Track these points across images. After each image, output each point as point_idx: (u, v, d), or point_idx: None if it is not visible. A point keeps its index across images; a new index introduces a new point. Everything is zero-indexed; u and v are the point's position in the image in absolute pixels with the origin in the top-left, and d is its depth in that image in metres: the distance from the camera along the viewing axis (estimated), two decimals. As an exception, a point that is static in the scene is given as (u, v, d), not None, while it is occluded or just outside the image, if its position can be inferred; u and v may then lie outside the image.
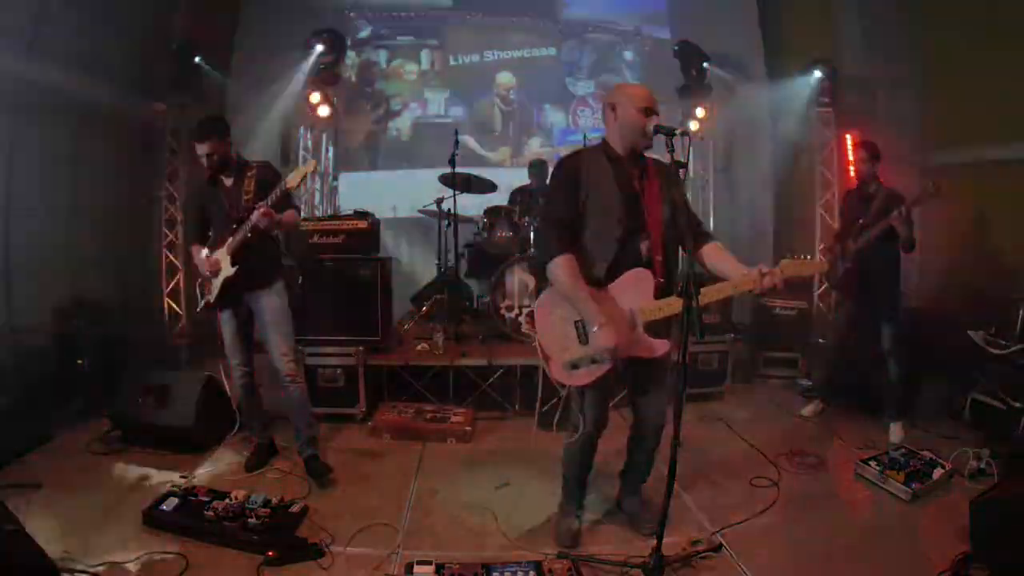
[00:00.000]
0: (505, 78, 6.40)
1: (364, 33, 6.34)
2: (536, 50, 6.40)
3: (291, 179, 2.80)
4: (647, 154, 2.37)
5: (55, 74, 4.20)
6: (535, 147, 6.39)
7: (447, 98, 6.39)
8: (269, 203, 2.80)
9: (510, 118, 6.44)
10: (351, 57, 6.27)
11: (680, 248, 2.35)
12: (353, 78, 6.33)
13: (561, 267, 2.23)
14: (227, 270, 2.98)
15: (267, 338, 3.07)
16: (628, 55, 6.39)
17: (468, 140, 6.30)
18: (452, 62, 6.37)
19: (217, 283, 3.03)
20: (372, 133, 6.36)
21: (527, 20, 6.39)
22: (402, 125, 6.37)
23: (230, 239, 2.96)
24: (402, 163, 6.18)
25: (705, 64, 5.65)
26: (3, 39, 3.80)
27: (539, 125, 6.46)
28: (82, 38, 4.52)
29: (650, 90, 2.31)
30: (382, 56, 6.36)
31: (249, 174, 3.00)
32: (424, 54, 6.35)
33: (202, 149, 2.93)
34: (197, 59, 5.14)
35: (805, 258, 2.23)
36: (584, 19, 6.45)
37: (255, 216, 2.80)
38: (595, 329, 2.19)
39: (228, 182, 3.03)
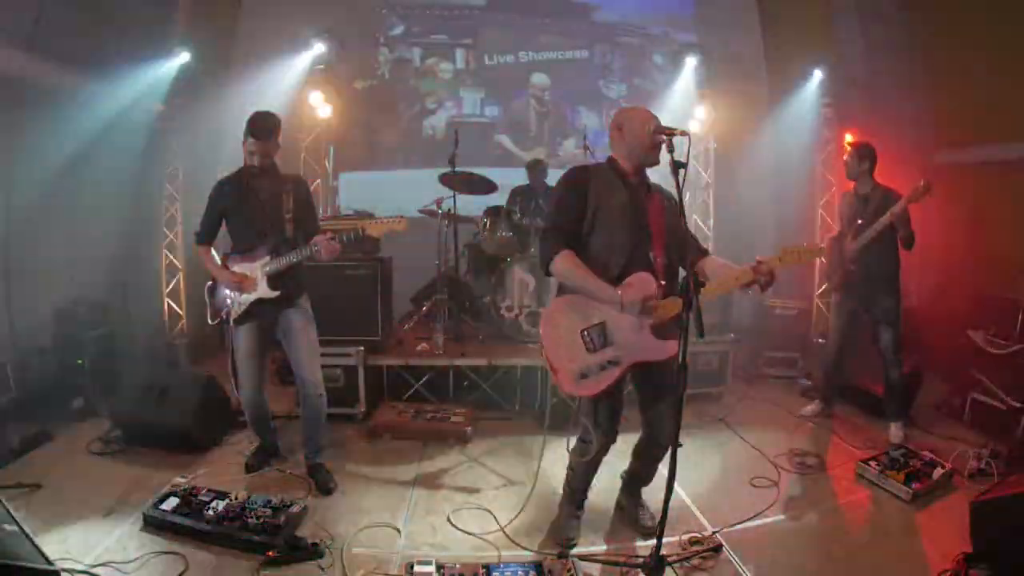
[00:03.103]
0: (539, 79, 6.43)
1: (397, 31, 6.34)
2: (569, 52, 6.43)
3: (373, 228, 2.74)
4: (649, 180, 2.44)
5: (55, 74, 4.20)
6: (570, 148, 6.42)
7: (482, 97, 6.41)
8: (344, 242, 2.76)
9: (545, 119, 6.47)
10: (384, 54, 6.30)
11: (681, 261, 2.39)
12: (386, 75, 6.34)
13: (563, 260, 2.27)
14: (265, 292, 2.86)
15: (296, 347, 2.96)
16: (658, 59, 6.38)
17: (504, 140, 6.37)
18: (487, 61, 6.40)
19: (246, 300, 2.90)
20: (406, 131, 6.36)
21: (559, 22, 6.42)
22: (437, 124, 6.37)
23: (267, 259, 2.85)
24: (438, 162, 6.17)
25: (704, 63, 5.65)
26: (3, 39, 3.80)
27: (573, 126, 6.46)
28: (82, 38, 4.52)
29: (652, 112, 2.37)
30: (416, 54, 6.37)
31: (286, 188, 2.89)
32: (459, 53, 6.36)
33: (259, 147, 2.79)
34: (197, 59, 5.14)
35: (803, 245, 2.27)
36: (615, 23, 6.48)
37: (323, 252, 2.74)
38: (618, 295, 2.20)
39: (263, 191, 2.88)
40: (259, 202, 2.88)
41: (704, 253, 2.45)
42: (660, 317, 2.25)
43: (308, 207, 2.99)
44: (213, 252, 2.98)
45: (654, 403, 2.44)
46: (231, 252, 2.97)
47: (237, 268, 2.91)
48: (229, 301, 2.94)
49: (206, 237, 2.98)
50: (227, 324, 2.98)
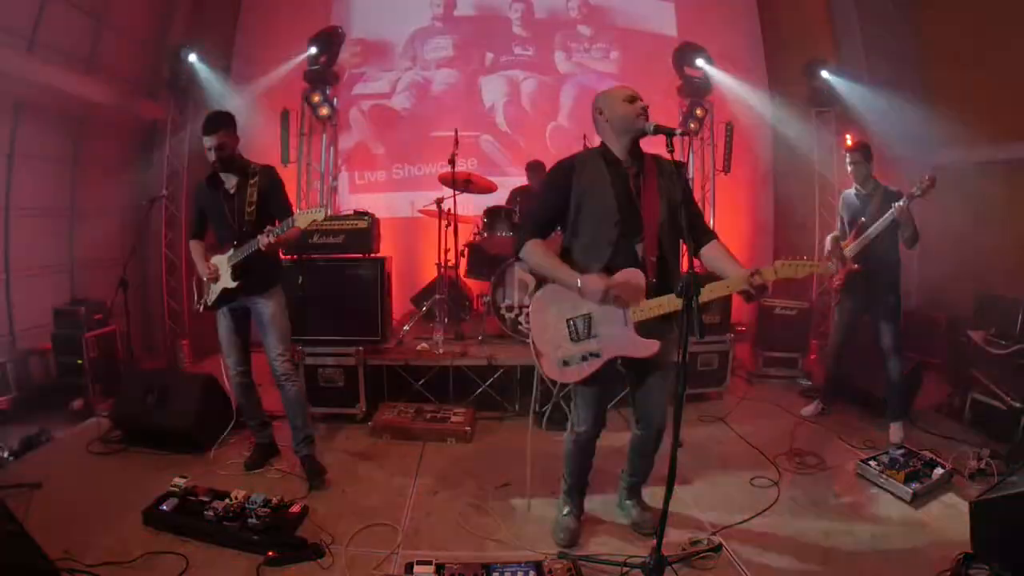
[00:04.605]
0: (554, 80, 6.46)
1: (410, 30, 6.37)
2: (584, 55, 6.47)
3: (300, 221, 2.85)
4: (648, 152, 2.38)
5: (55, 74, 4.20)
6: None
7: (496, 98, 6.42)
8: (275, 238, 2.83)
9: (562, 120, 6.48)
10: (396, 53, 6.32)
11: (680, 246, 2.37)
12: (398, 74, 6.36)
13: (531, 249, 2.31)
14: (228, 282, 3.01)
15: (264, 338, 3.10)
16: (663, 60, 6.33)
17: (519, 140, 6.39)
18: (502, 59, 6.42)
19: (216, 289, 3.05)
20: (418, 131, 6.36)
21: (575, 26, 6.46)
22: (450, 123, 6.37)
23: (231, 251, 2.98)
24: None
25: (704, 63, 5.65)
26: (3, 39, 3.80)
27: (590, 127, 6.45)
28: (82, 38, 4.52)
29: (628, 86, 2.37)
30: (429, 53, 6.37)
31: (252, 181, 3.00)
32: (472, 53, 6.37)
33: (210, 142, 2.91)
34: (197, 59, 5.14)
35: (802, 259, 2.20)
36: (623, 25, 6.50)
37: (262, 244, 2.86)
38: (578, 284, 2.21)
39: (230, 184, 3.01)
40: (226, 197, 3.02)
41: (710, 237, 2.38)
42: (643, 315, 2.25)
43: (275, 197, 3.07)
44: (199, 245, 3.16)
45: (645, 397, 2.45)
46: (215, 245, 3.13)
47: (213, 260, 3.06)
48: (207, 290, 3.12)
49: (195, 234, 3.18)
50: (205, 310, 3.17)
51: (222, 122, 2.95)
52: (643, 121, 2.26)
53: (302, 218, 2.86)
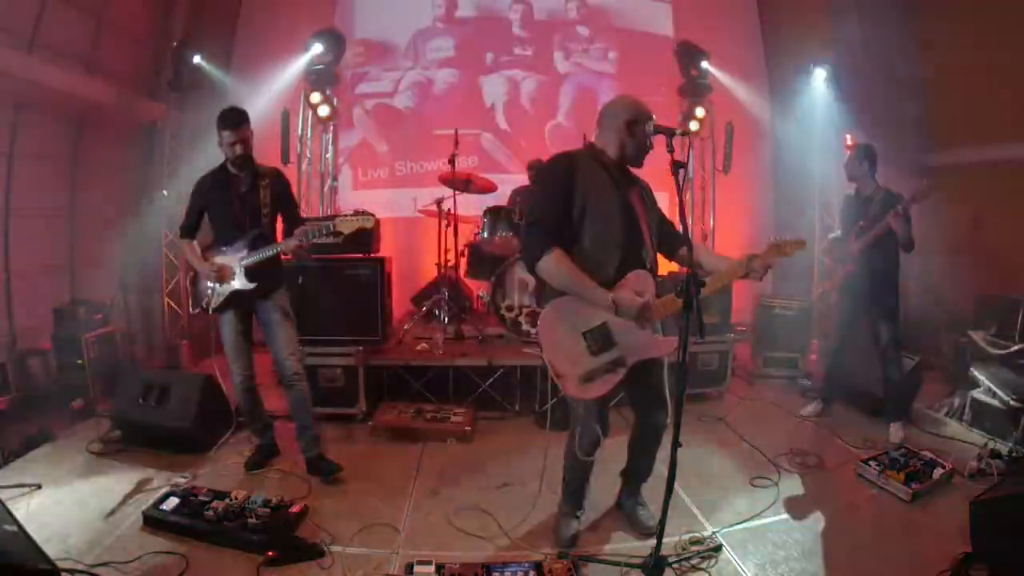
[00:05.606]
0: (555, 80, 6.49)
1: (414, 30, 6.39)
2: (583, 55, 6.51)
3: (345, 226, 2.84)
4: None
5: (55, 74, 4.20)
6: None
7: (497, 98, 6.44)
8: (311, 239, 2.84)
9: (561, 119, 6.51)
10: (398, 51, 6.34)
11: (668, 254, 2.49)
12: (400, 74, 6.38)
13: (553, 260, 2.18)
14: (243, 283, 2.96)
15: (273, 339, 3.06)
16: (662, 60, 6.36)
17: (521, 142, 6.43)
18: (504, 57, 6.45)
19: (224, 291, 3.00)
20: (419, 131, 6.39)
21: (574, 26, 6.50)
22: (450, 122, 6.37)
23: (245, 251, 2.94)
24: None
25: (704, 63, 5.65)
26: (3, 39, 3.80)
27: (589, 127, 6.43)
28: (82, 38, 4.52)
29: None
30: (430, 54, 6.39)
31: (263, 183, 2.98)
32: (473, 54, 6.39)
33: (233, 137, 2.88)
34: (197, 58, 5.14)
35: (787, 238, 2.32)
36: (623, 26, 6.52)
37: (293, 247, 2.87)
38: (610, 299, 2.15)
39: (241, 184, 2.97)
40: (237, 196, 2.98)
41: (684, 241, 2.33)
42: (659, 317, 2.24)
43: (286, 200, 3.08)
44: (195, 245, 3.09)
45: (644, 393, 2.45)
46: (213, 245, 3.07)
47: (218, 260, 3.00)
48: (209, 292, 3.05)
49: (188, 232, 3.11)
50: (207, 313, 3.11)
51: (245, 117, 2.92)
52: (643, 159, 2.37)
53: (345, 224, 2.83)
